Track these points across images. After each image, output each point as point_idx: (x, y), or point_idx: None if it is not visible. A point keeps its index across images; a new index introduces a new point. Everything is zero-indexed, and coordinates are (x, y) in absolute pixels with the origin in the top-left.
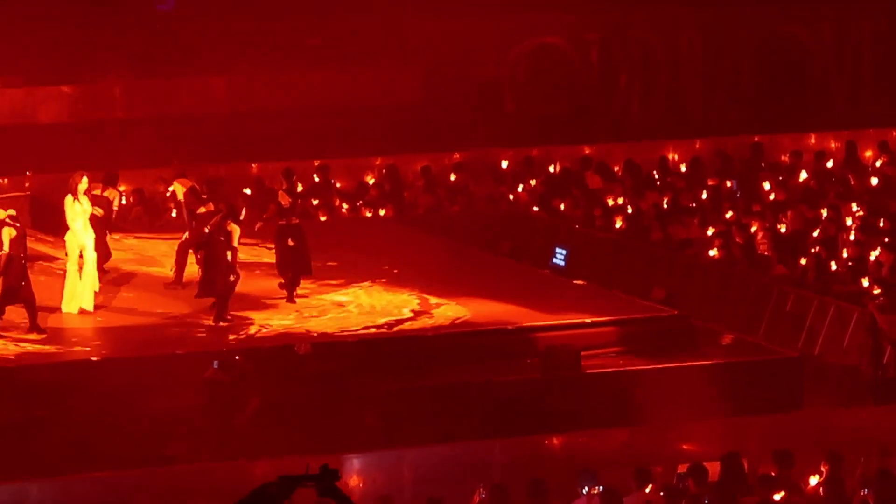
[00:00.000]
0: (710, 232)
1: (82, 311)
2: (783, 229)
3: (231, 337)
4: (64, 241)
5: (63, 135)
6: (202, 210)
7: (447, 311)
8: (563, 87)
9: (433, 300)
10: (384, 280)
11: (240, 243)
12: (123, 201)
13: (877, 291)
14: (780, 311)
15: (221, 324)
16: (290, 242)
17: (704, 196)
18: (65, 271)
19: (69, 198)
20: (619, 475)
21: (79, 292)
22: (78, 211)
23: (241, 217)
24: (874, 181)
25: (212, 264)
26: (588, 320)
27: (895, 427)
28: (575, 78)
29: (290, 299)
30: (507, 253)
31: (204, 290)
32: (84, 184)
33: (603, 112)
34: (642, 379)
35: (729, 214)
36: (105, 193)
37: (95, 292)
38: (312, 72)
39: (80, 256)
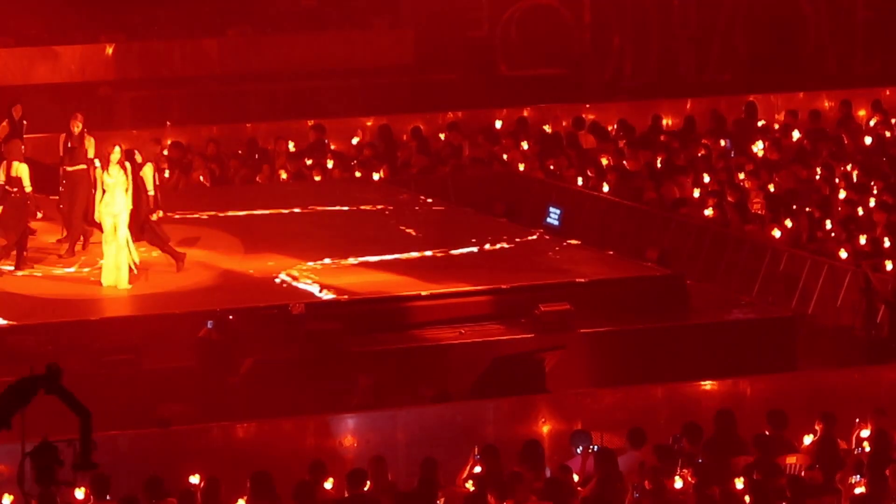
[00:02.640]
0: (696, 193)
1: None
2: (772, 188)
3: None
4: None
5: (56, 95)
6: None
7: (440, 271)
8: (556, 47)
9: (425, 261)
10: (378, 241)
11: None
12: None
13: (861, 240)
14: (774, 270)
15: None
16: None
17: (699, 155)
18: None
19: (99, 169)
20: (612, 435)
21: (117, 267)
22: (108, 183)
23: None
24: (868, 140)
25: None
26: (582, 280)
27: (889, 387)
28: (568, 38)
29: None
30: (502, 213)
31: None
32: (117, 154)
33: (596, 72)
34: (636, 339)
35: (721, 173)
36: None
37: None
38: (305, 33)
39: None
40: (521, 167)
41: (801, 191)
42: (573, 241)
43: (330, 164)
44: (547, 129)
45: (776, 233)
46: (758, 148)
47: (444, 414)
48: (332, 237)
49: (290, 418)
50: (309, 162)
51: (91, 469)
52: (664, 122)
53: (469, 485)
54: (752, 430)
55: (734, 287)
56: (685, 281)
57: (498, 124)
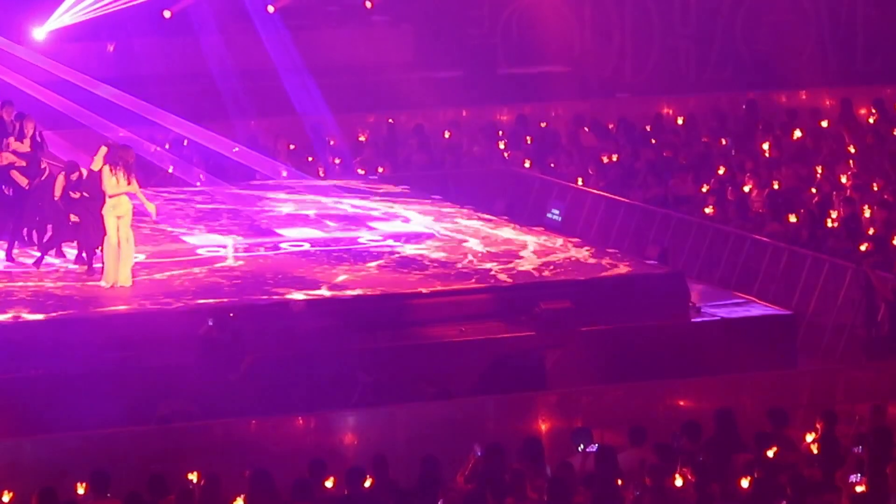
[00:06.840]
0: (704, 189)
1: (119, 287)
2: (776, 186)
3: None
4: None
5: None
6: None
7: (440, 268)
8: (556, 44)
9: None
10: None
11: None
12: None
13: (865, 247)
14: (774, 268)
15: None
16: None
17: (699, 153)
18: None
19: (106, 169)
20: (613, 433)
21: (118, 267)
22: (114, 184)
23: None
24: (868, 139)
25: None
26: (581, 278)
27: (889, 384)
28: (569, 36)
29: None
30: (502, 211)
31: None
32: (99, 160)
33: (597, 70)
34: (636, 337)
35: (722, 171)
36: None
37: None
38: (306, 30)
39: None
40: (523, 164)
41: (802, 189)
42: (573, 239)
43: (337, 161)
44: (546, 125)
45: (793, 218)
46: (759, 146)
47: (445, 411)
48: (332, 235)
49: (290, 416)
50: (310, 159)
51: None
52: (665, 119)
53: (467, 483)
54: (752, 429)
55: (734, 285)
56: (685, 279)
57: (498, 122)
